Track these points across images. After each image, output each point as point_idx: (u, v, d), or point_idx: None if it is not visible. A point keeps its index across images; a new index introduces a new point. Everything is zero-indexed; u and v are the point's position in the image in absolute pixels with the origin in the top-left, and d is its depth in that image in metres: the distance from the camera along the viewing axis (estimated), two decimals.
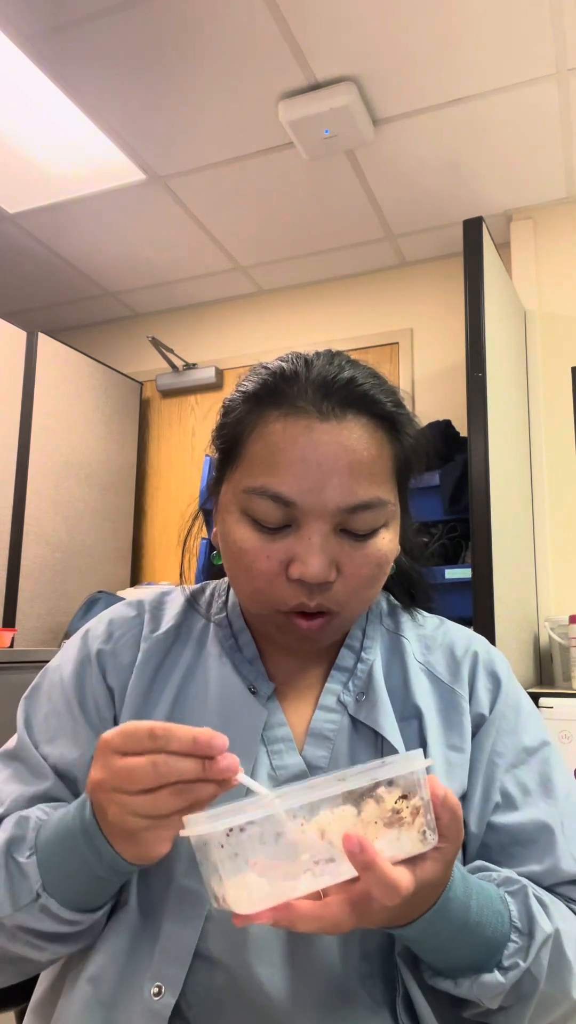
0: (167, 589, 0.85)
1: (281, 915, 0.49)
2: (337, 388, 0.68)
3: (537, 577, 2.60)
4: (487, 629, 1.90)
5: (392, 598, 0.84)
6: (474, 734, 0.74)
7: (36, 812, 0.66)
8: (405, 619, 0.82)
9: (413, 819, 0.50)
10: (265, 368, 0.73)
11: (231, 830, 0.48)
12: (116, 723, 0.74)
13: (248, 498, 0.68)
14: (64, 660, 0.78)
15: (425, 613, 0.84)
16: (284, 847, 0.49)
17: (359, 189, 2.74)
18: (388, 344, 3.25)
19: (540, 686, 2.35)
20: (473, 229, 2.17)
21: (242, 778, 0.53)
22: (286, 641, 0.72)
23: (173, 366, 3.51)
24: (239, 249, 3.15)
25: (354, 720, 0.72)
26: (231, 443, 0.72)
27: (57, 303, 3.61)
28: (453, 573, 2.42)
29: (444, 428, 2.68)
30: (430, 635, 0.81)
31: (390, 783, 0.50)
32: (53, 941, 0.63)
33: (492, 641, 1.88)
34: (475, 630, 1.87)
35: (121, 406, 3.43)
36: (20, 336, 2.98)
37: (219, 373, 3.49)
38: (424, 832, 0.51)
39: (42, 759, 0.72)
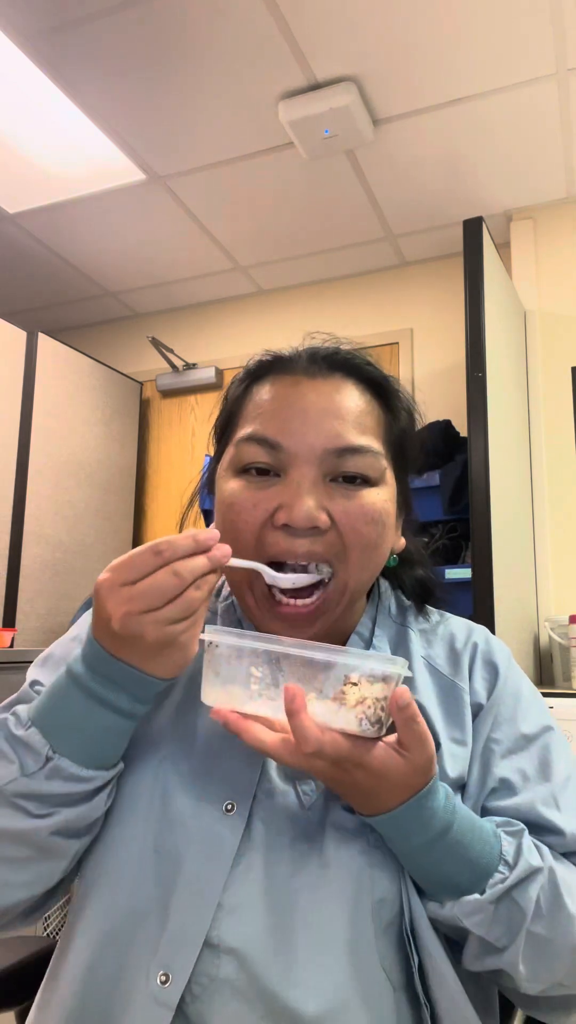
0: None
1: (235, 720, 0.59)
2: (325, 355, 0.74)
3: (537, 577, 2.60)
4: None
5: (403, 598, 0.85)
6: (472, 721, 0.75)
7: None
8: (410, 611, 0.83)
9: (355, 704, 0.58)
10: (261, 353, 0.78)
11: (209, 643, 0.62)
12: None
13: (238, 450, 0.70)
14: (80, 631, 0.79)
15: (430, 608, 0.85)
16: (242, 672, 0.61)
17: (359, 189, 2.74)
18: (388, 344, 3.25)
19: (540, 686, 2.35)
20: (473, 229, 2.17)
21: (234, 561, 0.64)
22: (282, 631, 0.71)
23: (173, 366, 3.51)
24: (239, 249, 3.15)
25: None
26: (228, 418, 0.76)
27: (57, 303, 3.61)
28: (453, 573, 2.42)
29: (444, 428, 2.68)
30: (431, 629, 0.81)
31: (349, 668, 0.59)
32: (62, 804, 0.63)
33: None
34: None
35: (121, 406, 3.43)
36: (20, 336, 2.98)
37: (219, 373, 3.49)
38: (361, 720, 0.58)
39: None
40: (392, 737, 0.60)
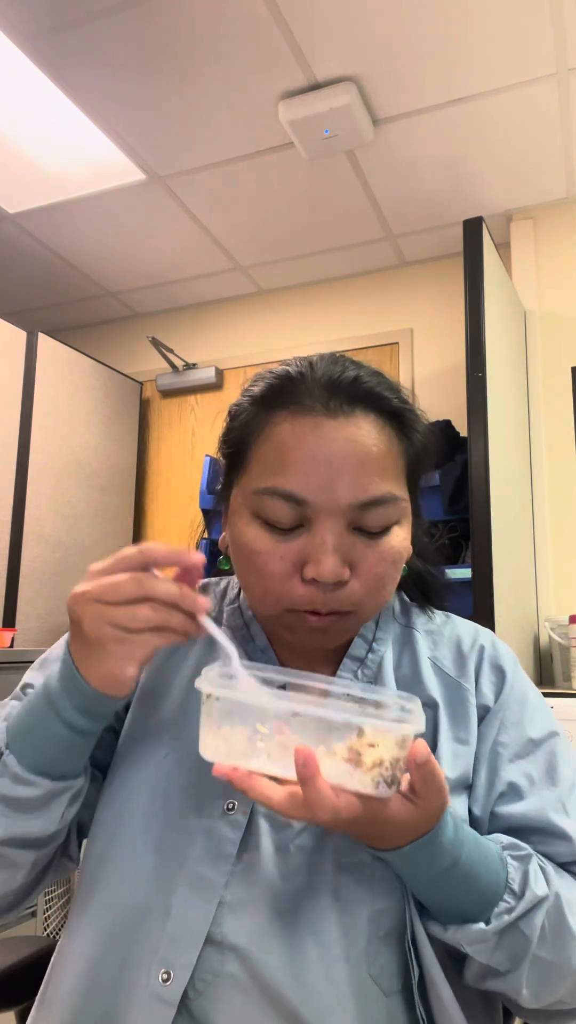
0: None
1: (240, 777, 0.55)
2: (343, 386, 0.68)
3: (537, 577, 2.60)
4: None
5: (405, 597, 0.85)
6: (479, 724, 0.75)
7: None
8: (416, 614, 0.83)
9: (372, 767, 0.55)
10: (270, 372, 0.73)
11: (208, 696, 0.58)
12: (127, 707, 0.76)
13: (259, 500, 0.67)
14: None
15: (435, 610, 0.85)
16: (245, 727, 0.58)
17: (359, 189, 2.74)
18: (388, 344, 3.25)
19: (540, 686, 2.35)
20: (473, 229, 2.17)
21: (208, 623, 0.60)
22: (297, 640, 0.71)
23: (173, 366, 3.51)
24: (239, 249, 3.15)
25: None
26: (239, 446, 0.72)
27: (57, 303, 3.61)
28: (453, 573, 2.42)
29: (444, 428, 2.68)
30: (437, 630, 0.81)
31: (361, 731, 0.56)
32: (6, 805, 0.64)
33: None
34: None
35: (121, 406, 3.43)
36: (20, 336, 2.98)
37: (219, 373, 3.49)
38: (379, 782, 0.55)
39: None
40: (404, 783, 0.59)
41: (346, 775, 0.55)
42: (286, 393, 0.69)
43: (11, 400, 2.91)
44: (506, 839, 0.68)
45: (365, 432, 0.67)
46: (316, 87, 2.26)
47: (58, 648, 0.80)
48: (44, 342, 3.02)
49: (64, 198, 2.79)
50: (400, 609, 0.83)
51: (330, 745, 0.56)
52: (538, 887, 0.64)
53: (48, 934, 2.56)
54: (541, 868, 0.66)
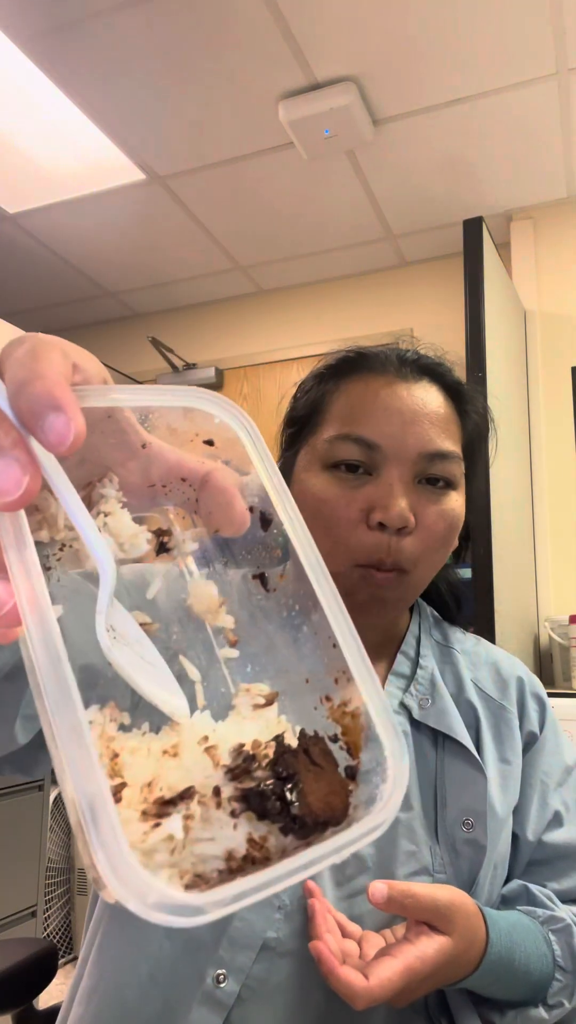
0: None
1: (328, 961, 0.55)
2: (410, 358, 0.76)
3: (537, 577, 2.60)
4: (487, 629, 1.90)
5: (437, 614, 0.86)
6: (525, 751, 0.76)
7: None
8: (451, 632, 0.83)
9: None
10: (339, 351, 0.79)
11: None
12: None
13: (331, 446, 0.70)
14: None
15: (463, 630, 0.86)
16: None
17: (359, 189, 2.74)
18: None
19: None
20: (473, 229, 2.17)
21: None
22: (358, 600, 0.70)
23: (173, 366, 3.51)
24: (239, 249, 3.15)
25: (417, 724, 0.73)
26: (311, 409, 0.76)
27: (57, 303, 3.61)
28: None
29: None
30: (473, 651, 0.82)
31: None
32: None
33: (492, 641, 1.89)
34: (475, 630, 1.87)
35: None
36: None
37: (219, 373, 3.49)
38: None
39: None
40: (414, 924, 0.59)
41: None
42: (358, 364, 0.75)
43: None
44: (541, 912, 0.69)
45: (432, 396, 0.73)
46: (316, 87, 2.26)
47: None
48: None
49: (64, 198, 2.79)
50: (435, 625, 0.83)
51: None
52: None
53: (47, 935, 2.55)
54: None
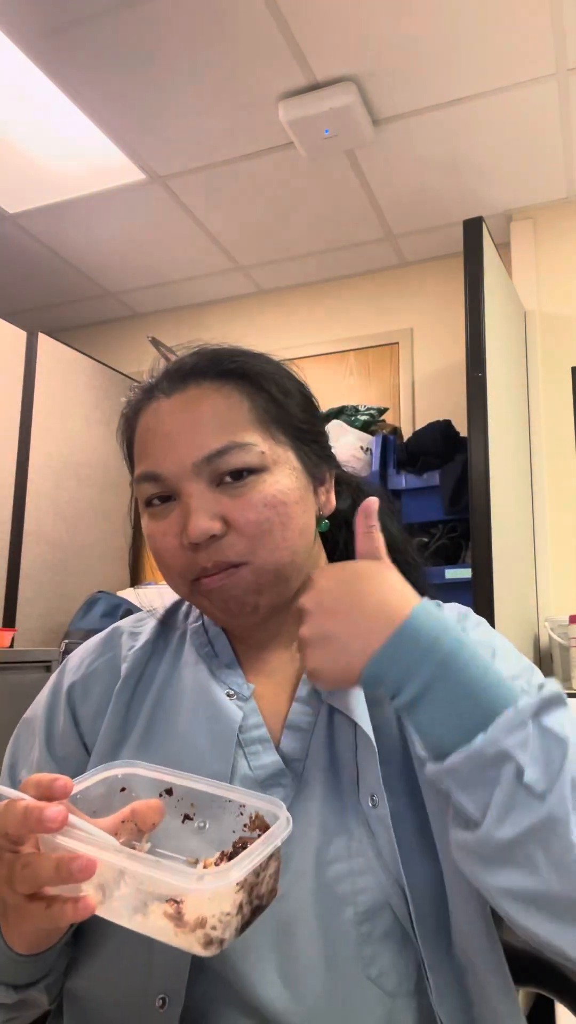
0: (144, 614, 0.87)
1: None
2: (174, 370, 0.76)
3: (537, 577, 2.60)
4: None
5: None
6: None
7: None
8: None
9: (195, 928, 0.51)
10: (133, 388, 0.81)
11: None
12: (88, 752, 0.75)
13: (138, 488, 0.74)
14: (43, 691, 0.82)
15: None
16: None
17: (359, 189, 2.74)
18: (388, 344, 3.25)
19: None
20: (473, 229, 2.17)
21: (82, 825, 0.54)
22: (216, 615, 0.73)
23: None
24: (239, 249, 3.15)
25: (332, 710, 0.72)
26: (128, 451, 0.79)
27: (57, 303, 3.61)
28: (453, 573, 2.42)
29: (444, 428, 2.68)
30: None
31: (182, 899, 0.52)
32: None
33: None
34: None
35: (121, 406, 3.42)
36: (20, 336, 2.97)
37: None
38: (206, 943, 0.51)
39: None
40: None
41: (171, 935, 0.51)
42: (145, 390, 0.77)
43: (11, 400, 2.91)
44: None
45: (199, 399, 0.72)
46: (316, 87, 2.26)
47: (32, 718, 0.81)
48: (44, 342, 3.02)
49: (64, 198, 2.79)
50: None
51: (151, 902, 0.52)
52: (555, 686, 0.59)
53: None
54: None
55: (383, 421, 2.87)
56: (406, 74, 2.22)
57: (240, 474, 0.70)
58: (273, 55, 2.14)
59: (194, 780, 0.60)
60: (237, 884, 0.50)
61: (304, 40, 2.09)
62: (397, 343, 3.23)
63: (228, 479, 0.69)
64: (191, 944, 0.51)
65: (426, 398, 3.10)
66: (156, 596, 0.88)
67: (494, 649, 0.75)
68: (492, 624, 1.89)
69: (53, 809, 0.51)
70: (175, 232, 3.02)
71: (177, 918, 0.51)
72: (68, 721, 0.76)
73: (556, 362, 2.73)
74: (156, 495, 0.72)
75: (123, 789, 0.61)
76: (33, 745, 0.77)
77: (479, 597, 1.92)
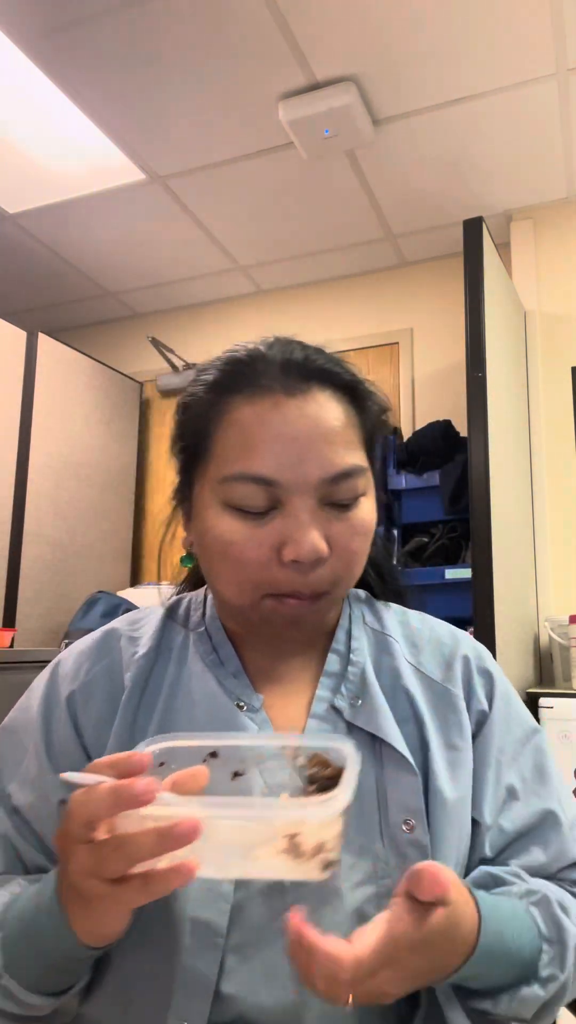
0: (139, 614, 0.83)
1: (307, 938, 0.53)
2: (296, 364, 0.68)
3: (537, 577, 2.60)
4: (487, 629, 1.90)
5: (370, 596, 0.83)
6: (477, 732, 0.73)
7: (13, 886, 0.65)
8: (388, 616, 0.80)
9: (313, 854, 0.52)
10: (219, 359, 0.71)
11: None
12: (90, 759, 0.71)
13: (227, 487, 0.66)
14: (32, 698, 0.76)
15: (404, 608, 0.83)
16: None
17: (359, 189, 2.74)
18: (388, 344, 3.25)
19: (540, 686, 2.35)
20: (473, 229, 2.17)
21: (163, 796, 0.53)
22: (274, 630, 0.69)
23: (173, 366, 3.51)
24: (239, 249, 3.15)
25: (349, 726, 0.70)
26: (197, 438, 0.70)
27: (57, 303, 3.61)
28: (453, 573, 2.42)
29: (444, 428, 2.68)
30: (416, 634, 0.79)
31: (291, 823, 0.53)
32: (16, 1022, 0.62)
33: (492, 641, 1.89)
34: (475, 630, 1.89)
35: (121, 406, 3.43)
36: (20, 336, 2.98)
37: None
38: (326, 864, 0.53)
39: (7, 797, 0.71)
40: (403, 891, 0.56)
41: (289, 868, 0.52)
42: (240, 377, 0.68)
43: (11, 400, 2.91)
44: (517, 888, 0.67)
45: (324, 407, 0.67)
46: (316, 87, 2.26)
47: (21, 725, 0.75)
48: (44, 342, 3.02)
49: (64, 198, 2.79)
50: (370, 613, 0.80)
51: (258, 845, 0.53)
52: (571, 927, 0.65)
53: None
54: (560, 905, 0.66)
55: None
56: (406, 74, 2.22)
57: (354, 498, 0.67)
58: (273, 55, 2.14)
59: (238, 737, 0.61)
60: (345, 808, 0.52)
61: (304, 40, 2.09)
62: (397, 343, 3.23)
63: (340, 501, 0.66)
64: (309, 871, 0.52)
65: (426, 398, 3.10)
66: (156, 596, 0.86)
67: (510, 699, 0.76)
68: (492, 624, 1.90)
69: (143, 782, 0.49)
70: (175, 232, 3.02)
71: (294, 850, 0.51)
72: (70, 730, 0.72)
73: (556, 362, 2.73)
74: (255, 506, 0.65)
75: (162, 763, 0.59)
76: (25, 755, 0.73)
77: (479, 597, 1.92)
